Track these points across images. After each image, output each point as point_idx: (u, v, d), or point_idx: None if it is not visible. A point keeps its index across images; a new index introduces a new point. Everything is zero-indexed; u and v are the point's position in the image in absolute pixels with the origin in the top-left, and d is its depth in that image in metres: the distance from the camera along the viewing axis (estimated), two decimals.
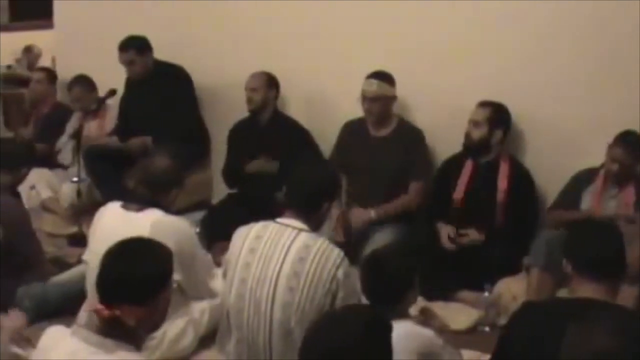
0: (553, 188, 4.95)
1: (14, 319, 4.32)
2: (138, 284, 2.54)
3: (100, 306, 2.53)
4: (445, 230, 4.90)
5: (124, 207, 4.01)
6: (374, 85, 5.18)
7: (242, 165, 5.69)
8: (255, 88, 5.68)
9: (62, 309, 4.33)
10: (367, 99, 5.21)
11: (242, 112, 5.81)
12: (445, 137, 5.29)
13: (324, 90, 5.84)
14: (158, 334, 3.82)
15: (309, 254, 3.41)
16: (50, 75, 7.15)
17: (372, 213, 5.14)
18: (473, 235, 4.86)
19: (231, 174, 5.88)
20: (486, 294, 4.45)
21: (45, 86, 7.06)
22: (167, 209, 4.02)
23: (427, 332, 3.19)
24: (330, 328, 2.35)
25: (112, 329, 2.51)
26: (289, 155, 5.34)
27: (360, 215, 5.15)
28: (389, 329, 2.41)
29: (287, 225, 3.52)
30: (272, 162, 5.60)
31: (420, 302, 4.38)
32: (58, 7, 7.16)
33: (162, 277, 2.62)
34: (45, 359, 2.58)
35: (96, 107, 6.37)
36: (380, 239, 4.91)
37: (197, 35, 6.32)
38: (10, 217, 4.50)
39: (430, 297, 4.54)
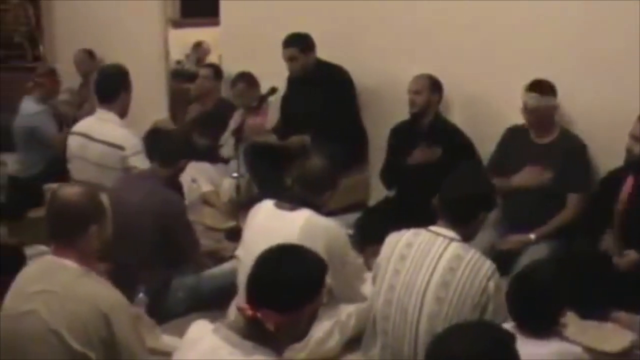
0: None
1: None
2: (284, 292, 2.55)
3: (245, 305, 2.57)
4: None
5: (277, 205, 4.06)
6: (534, 99, 5.06)
7: (402, 162, 5.61)
8: (418, 90, 5.61)
9: (214, 302, 4.41)
10: (527, 110, 5.11)
11: (402, 114, 5.76)
12: (607, 150, 5.10)
13: (484, 95, 5.73)
14: None
15: (460, 265, 3.38)
16: (217, 71, 7.28)
17: (532, 237, 4.97)
18: (633, 256, 4.67)
19: (391, 172, 5.82)
20: None
21: (212, 82, 7.20)
22: (320, 209, 4.03)
23: (576, 349, 3.15)
24: (453, 340, 2.30)
25: (252, 331, 2.54)
26: (449, 161, 5.23)
27: (519, 239, 4.99)
28: (512, 348, 2.34)
29: (439, 234, 3.49)
30: (434, 148, 5.49)
31: (575, 319, 4.27)
32: (224, 5, 7.33)
33: (311, 290, 2.62)
34: (188, 352, 2.65)
35: (257, 104, 6.46)
36: (535, 252, 4.80)
37: (360, 35, 6.34)
38: (168, 208, 4.59)
39: (583, 315, 4.41)
